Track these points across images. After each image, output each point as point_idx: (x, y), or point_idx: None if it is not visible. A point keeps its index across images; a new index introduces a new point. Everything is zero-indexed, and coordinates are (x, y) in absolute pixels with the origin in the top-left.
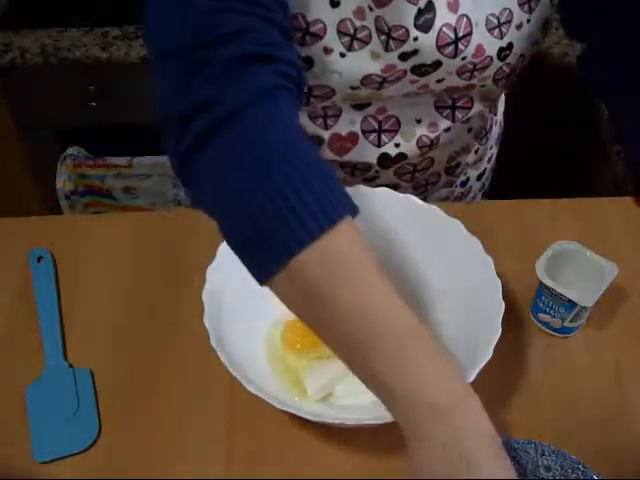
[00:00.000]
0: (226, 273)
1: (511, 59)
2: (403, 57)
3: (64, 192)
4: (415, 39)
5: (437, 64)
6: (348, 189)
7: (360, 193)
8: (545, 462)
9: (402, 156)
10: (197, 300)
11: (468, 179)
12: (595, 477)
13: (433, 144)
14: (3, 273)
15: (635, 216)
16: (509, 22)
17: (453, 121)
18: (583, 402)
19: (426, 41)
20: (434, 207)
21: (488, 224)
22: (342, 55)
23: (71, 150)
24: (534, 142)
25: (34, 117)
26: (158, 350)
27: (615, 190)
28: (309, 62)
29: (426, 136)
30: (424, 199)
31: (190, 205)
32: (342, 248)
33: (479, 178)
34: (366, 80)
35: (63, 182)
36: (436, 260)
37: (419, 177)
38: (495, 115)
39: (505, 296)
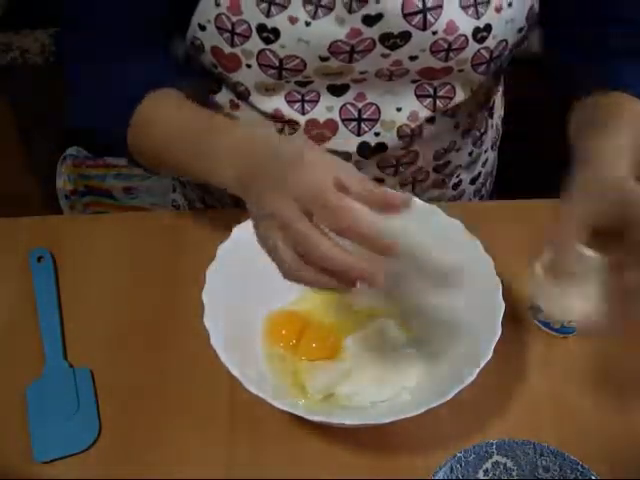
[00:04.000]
0: (226, 273)
1: (490, 43)
2: (367, 21)
3: (64, 192)
4: (377, 1)
5: (406, 35)
6: None
7: None
8: (544, 462)
9: (382, 146)
10: (197, 300)
11: (461, 181)
12: (593, 477)
13: (414, 134)
14: (3, 273)
15: None
16: (487, 3)
17: (434, 110)
18: (583, 402)
19: (389, 5)
20: (434, 207)
21: (488, 224)
22: (307, 24)
23: (71, 150)
24: (534, 142)
25: (34, 117)
26: (158, 350)
27: None
28: (275, 33)
29: (406, 125)
30: None
31: (190, 207)
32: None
33: (473, 182)
34: (334, 48)
35: (63, 182)
36: (435, 260)
37: (404, 172)
38: (491, 118)
39: (505, 296)
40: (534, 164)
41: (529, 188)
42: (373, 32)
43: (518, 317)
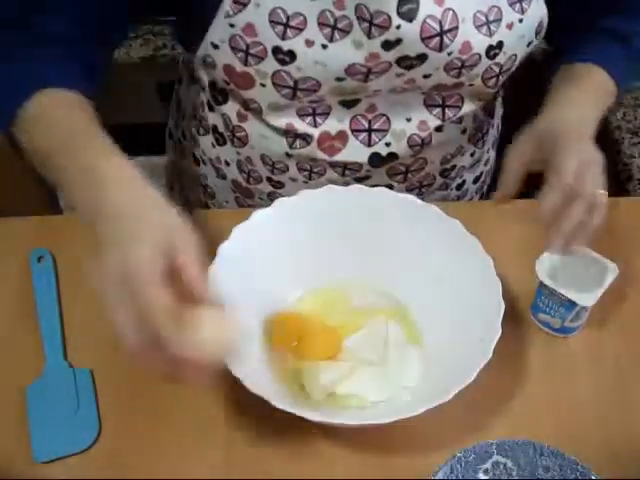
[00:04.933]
0: (225, 273)
1: (501, 58)
2: (386, 46)
3: None
4: (398, 27)
5: (423, 57)
6: (346, 188)
7: (359, 193)
8: (544, 462)
9: (393, 156)
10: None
11: (464, 182)
12: (594, 477)
13: (424, 143)
14: (3, 273)
15: (635, 216)
16: (499, 20)
17: (443, 120)
18: (583, 402)
19: (409, 31)
20: (434, 207)
21: (488, 224)
22: (324, 47)
23: None
24: None
25: None
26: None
27: (615, 190)
28: (291, 55)
29: (417, 135)
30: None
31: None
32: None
33: (475, 181)
34: (351, 70)
35: None
36: (435, 260)
37: (412, 178)
38: (492, 118)
39: (505, 296)
40: None
41: (529, 188)
42: (391, 56)
43: (518, 317)
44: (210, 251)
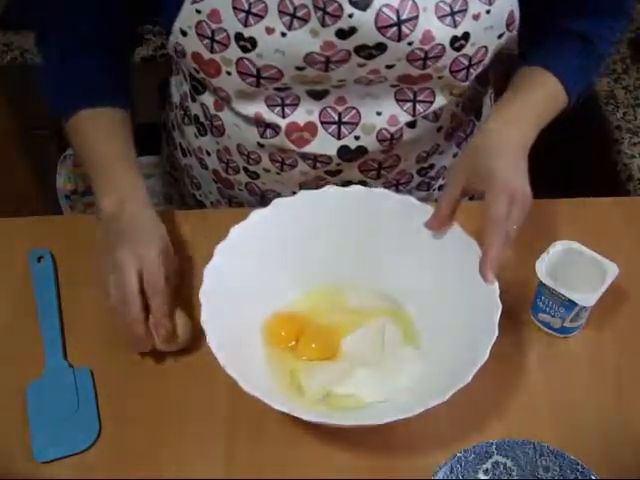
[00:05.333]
0: (223, 272)
1: (468, 50)
2: (341, 35)
3: (64, 192)
4: (350, 15)
5: (381, 47)
6: (344, 189)
7: (357, 193)
8: (544, 462)
9: (362, 150)
10: (197, 299)
11: None
12: (593, 477)
13: (394, 138)
14: (3, 273)
15: (635, 216)
16: (464, 11)
17: (414, 115)
18: (583, 402)
19: (363, 19)
20: (430, 207)
21: None
22: (283, 34)
23: (71, 150)
24: (534, 142)
25: (34, 117)
26: (158, 350)
27: (615, 190)
28: (252, 42)
29: (386, 130)
30: None
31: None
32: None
33: None
34: (309, 59)
35: (63, 182)
36: (433, 261)
37: (387, 175)
38: (479, 121)
39: (505, 296)
40: (534, 164)
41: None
42: (347, 44)
43: (518, 317)
44: (207, 251)
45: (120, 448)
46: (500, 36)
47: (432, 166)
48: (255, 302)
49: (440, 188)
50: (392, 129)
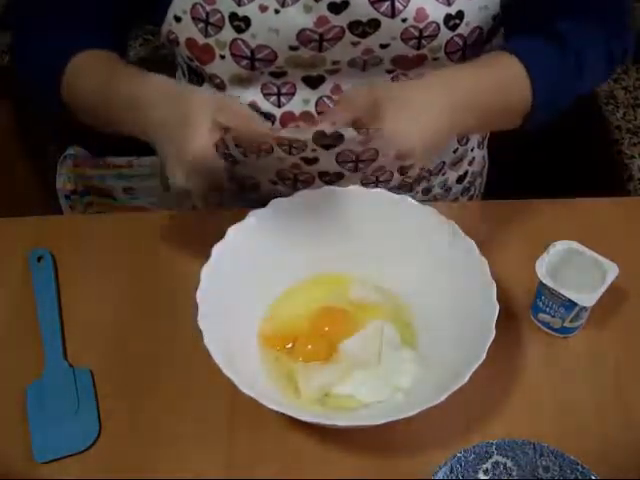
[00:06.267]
0: (221, 274)
1: (463, 29)
2: (333, 9)
3: (64, 192)
4: None
5: (375, 23)
6: (343, 189)
7: (356, 193)
8: (544, 462)
9: (339, 136)
10: (194, 300)
11: (447, 180)
12: (593, 477)
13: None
14: (3, 273)
15: (635, 216)
16: None
17: None
18: (583, 402)
19: None
20: (429, 208)
21: (487, 224)
22: (277, 12)
23: (71, 150)
24: (533, 142)
25: (34, 117)
26: (158, 350)
27: (615, 190)
28: (247, 22)
29: None
30: None
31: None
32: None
33: (460, 180)
34: (302, 37)
35: (63, 182)
36: (431, 261)
37: (365, 169)
38: None
39: (505, 297)
40: (534, 164)
41: (529, 188)
42: (341, 20)
43: (518, 317)
44: (205, 251)
45: (120, 448)
46: (495, 17)
47: (412, 165)
48: (253, 302)
49: (423, 192)
50: None
